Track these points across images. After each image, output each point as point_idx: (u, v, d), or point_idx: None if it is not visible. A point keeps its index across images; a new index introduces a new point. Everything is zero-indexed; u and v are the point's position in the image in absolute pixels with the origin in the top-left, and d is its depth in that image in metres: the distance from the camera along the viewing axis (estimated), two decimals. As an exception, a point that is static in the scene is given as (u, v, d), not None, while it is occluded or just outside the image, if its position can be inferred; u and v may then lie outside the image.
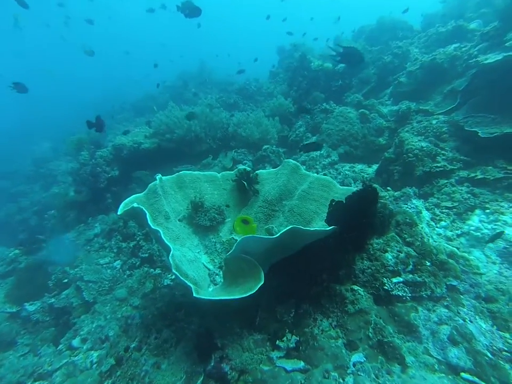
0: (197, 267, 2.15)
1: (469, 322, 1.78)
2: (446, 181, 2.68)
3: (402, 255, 2.02)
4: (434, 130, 3.09)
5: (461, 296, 1.90)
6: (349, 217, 1.85)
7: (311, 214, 2.26)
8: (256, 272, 1.77)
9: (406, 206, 2.47)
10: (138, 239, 4.33)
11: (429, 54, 4.40)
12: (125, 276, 3.66)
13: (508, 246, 2.04)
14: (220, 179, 2.93)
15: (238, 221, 2.36)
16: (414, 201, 2.51)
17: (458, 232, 2.21)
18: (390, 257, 2.00)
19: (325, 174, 3.39)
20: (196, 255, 2.31)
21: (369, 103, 4.09)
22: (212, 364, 1.75)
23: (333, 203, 1.92)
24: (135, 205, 2.01)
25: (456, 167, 2.71)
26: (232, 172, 2.97)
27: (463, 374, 1.60)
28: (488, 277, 1.99)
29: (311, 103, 5.43)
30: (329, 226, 1.87)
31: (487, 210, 2.21)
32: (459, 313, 1.82)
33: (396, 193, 2.57)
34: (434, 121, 3.34)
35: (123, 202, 2.24)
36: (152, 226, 1.83)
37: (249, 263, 1.81)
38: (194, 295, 1.64)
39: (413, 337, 1.74)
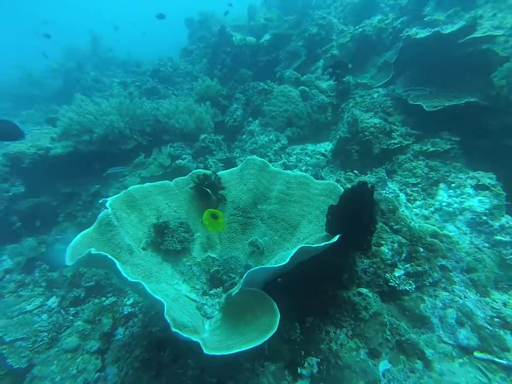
0: (183, 305, 1.81)
1: (464, 298, 1.87)
2: (404, 157, 2.75)
3: (395, 245, 2.00)
4: (382, 105, 3.13)
5: (451, 273, 1.98)
6: (347, 221, 1.71)
7: (296, 217, 2.08)
8: (268, 306, 1.53)
9: (384, 191, 2.47)
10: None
11: (347, 25, 4.43)
12: (70, 317, 3.03)
13: (474, 217, 2.19)
14: (174, 188, 2.51)
15: (206, 215, 2.00)
16: (390, 185, 2.52)
17: (432, 209, 2.30)
18: (386, 250, 1.96)
19: (290, 164, 3.20)
20: (175, 289, 1.95)
21: (307, 79, 3.97)
22: (238, 421, 1.52)
23: (331, 209, 1.75)
24: (93, 251, 1.54)
25: (410, 142, 2.80)
26: (186, 177, 2.57)
27: (476, 354, 1.67)
28: (465, 249, 2.12)
29: (238, 81, 5.10)
30: (332, 234, 1.72)
31: (453, 185, 2.33)
32: (454, 291, 1.90)
33: (372, 179, 2.55)
34: (375, 95, 3.40)
35: (70, 246, 1.73)
36: (130, 279, 1.42)
37: (258, 297, 1.56)
38: (206, 352, 1.34)
39: (426, 329, 1.76)
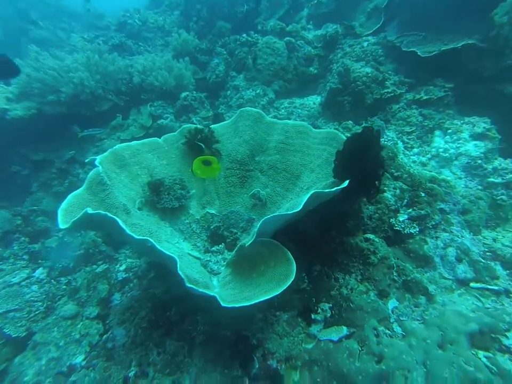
0: (189, 262, 1.75)
1: (462, 238, 1.93)
2: (397, 106, 2.71)
3: (397, 191, 2.00)
4: (373, 54, 3.02)
5: (449, 215, 2.02)
6: (355, 166, 1.67)
7: (298, 167, 2.01)
8: (282, 255, 1.50)
9: (383, 139, 2.44)
10: (57, 234, 3.47)
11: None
12: (63, 286, 2.91)
13: (469, 161, 2.22)
14: (164, 145, 2.37)
15: (197, 163, 1.89)
16: (388, 133, 2.48)
17: (429, 156, 2.31)
18: (389, 196, 1.96)
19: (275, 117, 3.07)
20: (177, 247, 1.87)
21: (292, 29, 3.73)
22: (257, 366, 1.52)
23: (338, 155, 1.69)
24: (90, 210, 1.41)
25: (403, 91, 2.75)
26: (176, 133, 2.42)
27: (471, 284, 1.76)
28: (460, 192, 2.16)
29: (216, 35, 4.75)
30: (340, 179, 1.68)
31: (449, 131, 2.33)
32: (452, 232, 1.95)
33: None
34: (365, 44, 3.27)
35: (61, 209, 1.58)
36: (137, 237, 1.32)
37: (270, 247, 1.52)
38: (224, 305, 1.30)
39: (429, 268, 1.81)
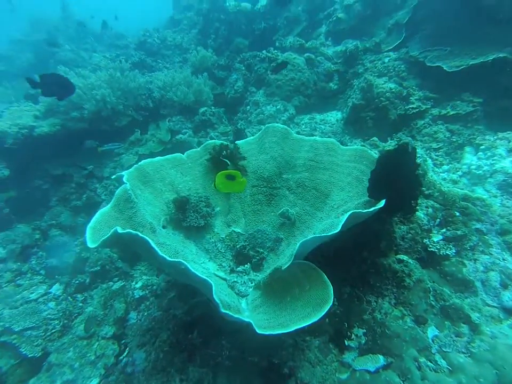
0: (218, 284, 1.68)
1: (504, 261, 1.82)
2: (422, 122, 2.65)
3: (430, 210, 1.92)
4: (395, 69, 2.99)
5: (486, 236, 1.92)
6: (391, 185, 1.60)
7: (327, 185, 1.95)
8: (317, 277, 1.43)
9: None
10: (74, 249, 3.46)
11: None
12: (79, 304, 2.87)
13: (506, 178, 2.13)
14: (187, 161, 2.34)
15: (220, 178, 1.77)
16: (417, 149, 2.42)
17: (460, 173, 2.23)
18: (422, 215, 1.88)
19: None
20: (204, 268, 1.82)
21: (312, 45, 3.75)
22: (291, 399, 1.44)
23: (373, 173, 1.63)
24: (120, 229, 1.37)
25: (429, 106, 2.69)
26: (199, 149, 2.40)
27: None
28: (497, 211, 2.06)
29: (234, 52, 4.81)
30: (375, 199, 1.61)
31: (482, 147, 2.25)
32: (492, 254, 1.85)
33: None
34: (386, 59, 3.25)
35: (89, 227, 1.55)
36: (169, 259, 1.27)
37: (305, 269, 1.45)
38: (259, 332, 1.24)
39: (469, 293, 1.70)
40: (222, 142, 2.28)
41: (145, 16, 9.59)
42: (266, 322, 1.36)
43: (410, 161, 1.56)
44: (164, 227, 1.93)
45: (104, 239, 1.41)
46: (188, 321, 2.03)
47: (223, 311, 1.24)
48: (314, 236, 1.34)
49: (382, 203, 1.50)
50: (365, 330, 1.61)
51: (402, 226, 1.85)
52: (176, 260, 1.26)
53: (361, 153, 1.97)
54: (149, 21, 7.96)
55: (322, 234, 1.35)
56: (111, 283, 3.08)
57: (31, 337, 2.54)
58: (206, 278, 1.23)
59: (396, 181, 1.58)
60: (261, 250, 1.98)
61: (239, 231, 2.07)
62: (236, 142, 2.22)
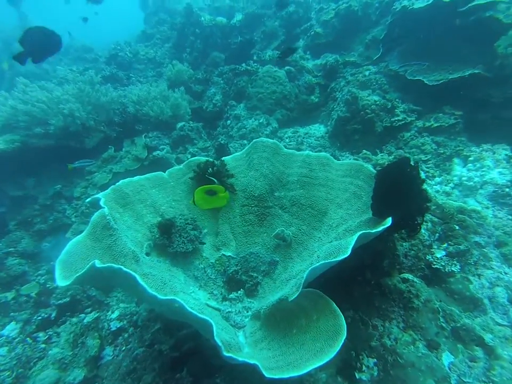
0: (211, 317, 1.49)
1: (505, 274, 1.78)
2: (409, 134, 2.64)
3: (429, 224, 1.86)
4: (378, 82, 3.00)
5: (485, 249, 1.88)
6: (396, 201, 1.52)
7: (324, 202, 1.84)
8: (324, 306, 1.29)
9: None
10: (38, 279, 3.11)
11: (320, 3, 4.26)
12: (41, 345, 2.51)
13: (496, 189, 2.13)
14: (169, 180, 2.16)
15: (199, 193, 1.67)
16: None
17: (452, 185, 2.21)
18: (423, 230, 1.81)
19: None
20: (194, 298, 1.62)
21: (291, 59, 3.73)
22: None
23: (376, 189, 1.54)
24: (98, 263, 1.17)
25: (413, 118, 2.70)
26: (182, 167, 2.23)
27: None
28: (491, 223, 2.04)
29: (210, 65, 4.72)
30: (379, 216, 1.51)
31: (470, 158, 2.25)
32: (493, 268, 1.80)
33: (391, 157, 2.39)
34: (367, 73, 3.26)
35: (59, 260, 1.33)
36: (161, 297, 1.08)
37: (311, 297, 1.31)
38: (268, 376, 1.07)
39: (479, 312, 1.63)
40: (207, 158, 2.12)
41: (113, 31, 9.34)
42: (274, 362, 1.19)
43: (414, 175, 1.48)
44: (147, 254, 1.72)
45: (79, 275, 1.19)
46: (175, 357, 1.81)
47: (226, 354, 1.06)
48: (325, 261, 1.20)
49: (389, 221, 1.40)
50: (375, 360, 1.47)
51: (404, 243, 1.77)
52: (170, 297, 1.07)
53: (357, 168, 1.89)
54: (118, 35, 7.73)
55: (333, 260, 1.22)
56: (82, 315, 2.76)
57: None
58: (206, 317, 1.05)
59: (401, 197, 1.49)
60: (255, 274, 1.81)
61: (230, 254, 1.90)
62: (222, 159, 2.07)
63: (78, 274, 1.19)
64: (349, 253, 1.23)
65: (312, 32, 3.89)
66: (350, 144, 2.84)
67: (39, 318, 2.70)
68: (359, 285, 1.71)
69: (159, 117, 3.62)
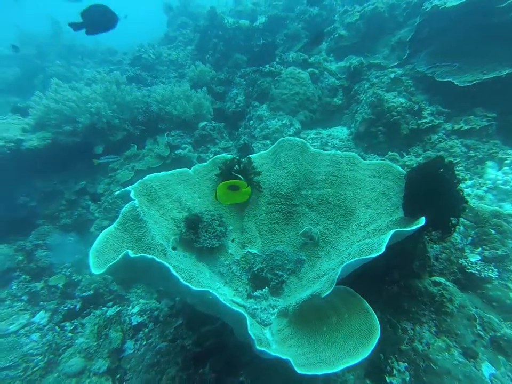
0: (238, 313, 1.49)
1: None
2: (436, 136, 2.58)
3: (461, 227, 1.80)
4: (404, 84, 2.95)
5: (521, 255, 1.80)
6: (428, 201, 1.48)
7: (352, 202, 1.81)
8: (356, 304, 1.26)
9: None
10: (63, 271, 3.18)
11: (352, 4, 4.23)
12: (68, 334, 2.58)
13: (533, 194, 2.04)
14: (195, 176, 2.18)
15: (221, 189, 1.70)
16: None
17: (485, 188, 2.13)
18: (455, 234, 1.75)
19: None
20: (220, 294, 1.62)
21: (315, 61, 3.72)
22: None
23: (408, 189, 1.51)
24: (131, 253, 1.18)
25: (442, 121, 2.63)
26: (207, 164, 2.25)
27: None
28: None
29: (232, 67, 4.76)
30: (411, 216, 1.48)
31: (507, 161, 2.18)
32: (530, 274, 1.72)
33: (419, 159, 2.34)
34: (392, 75, 3.22)
35: (93, 249, 1.35)
36: (195, 288, 1.08)
37: (342, 295, 1.28)
38: (300, 372, 1.05)
39: (519, 320, 1.56)
40: (232, 156, 2.13)
41: (137, 34, 9.56)
42: (304, 359, 1.17)
43: (450, 175, 1.44)
44: (173, 248, 1.73)
45: (112, 264, 1.21)
46: (198, 353, 1.81)
47: (259, 348, 1.05)
48: (359, 258, 1.18)
49: (422, 221, 1.36)
50: (406, 364, 1.43)
51: (434, 246, 1.72)
52: (204, 289, 1.07)
53: (386, 168, 1.85)
54: (141, 38, 7.93)
55: (366, 257, 1.20)
56: (105, 308, 2.82)
57: (7, 379, 2.22)
58: (240, 310, 1.04)
59: (435, 197, 1.45)
60: (280, 272, 1.80)
61: (255, 252, 1.89)
62: (249, 156, 2.08)
63: (111, 264, 1.21)
64: (383, 250, 1.20)
65: (336, 35, 3.87)
66: (376, 146, 2.79)
67: (65, 308, 2.79)
68: (387, 286, 1.67)
69: (181, 116, 3.67)
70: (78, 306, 2.83)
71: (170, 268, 1.12)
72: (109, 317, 2.62)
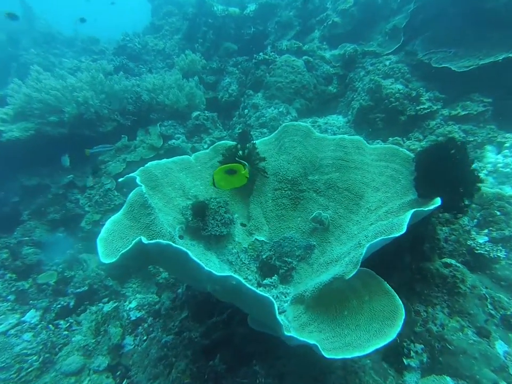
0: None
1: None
2: (434, 122, 2.59)
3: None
4: (401, 70, 2.95)
5: (524, 236, 1.83)
6: (443, 181, 1.47)
7: (360, 185, 1.79)
8: (376, 286, 1.24)
9: None
10: (54, 267, 3.05)
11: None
12: (64, 332, 2.47)
13: (532, 176, 2.08)
14: (196, 164, 2.11)
15: (219, 174, 1.65)
16: None
17: (485, 172, 2.15)
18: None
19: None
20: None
21: (309, 49, 3.67)
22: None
23: (420, 170, 1.49)
24: (145, 240, 1.11)
25: (439, 107, 2.65)
26: (208, 151, 2.19)
27: None
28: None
29: (223, 56, 4.65)
30: (424, 197, 1.47)
31: (506, 144, 2.20)
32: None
33: (422, 143, 2.34)
34: (387, 62, 3.21)
35: (101, 238, 1.27)
36: (218, 274, 1.03)
37: (362, 277, 1.26)
38: (328, 356, 1.02)
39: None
40: (234, 142, 2.07)
41: (119, 25, 9.24)
42: (329, 344, 1.14)
43: (462, 155, 1.43)
44: (180, 237, 1.66)
45: (125, 251, 1.14)
46: (206, 344, 1.76)
47: (287, 334, 1.01)
48: (382, 237, 1.16)
49: (438, 201, 1.35)
50: (423, 346, 1.42)
51: (443, 228, 1.72)
52: (227, 274, 1.02)
53: (393, 151, 1.84)
54: (124, 28, 7.66)
55: (389, 236, 1.17)
56: (101, 304, 2.72)
57: (-1, 382, 2.11)
58: (266, 295, 0.99)
59: (449, 177, 1.44)
60: (289, 259, 1.76)
61: (263, 239, 1.85)
62: (253, 142, 2.02)
63: (123, 251, 1.14)
64: (405, 229, 1.19)
65: (330, 22, 3.82)
66: (374, 133, 2.79)
67: (58, 306, 2.68)
68: (398, 270, 1.66)
69: (174, 105, 3.55)
70: (71, 304, 2.72)
71: (190, 253, 1.06)
72: (106, 313, 2.53)
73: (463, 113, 2.56)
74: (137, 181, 1.49)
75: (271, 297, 1.00)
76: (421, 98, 2.68)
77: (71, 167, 3.63)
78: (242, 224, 1.88)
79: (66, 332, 2.46)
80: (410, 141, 2.41)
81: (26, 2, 7.90)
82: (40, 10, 8.36)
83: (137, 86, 3.78)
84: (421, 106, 2.64)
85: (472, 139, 2.39)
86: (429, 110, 2.61)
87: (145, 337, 2.34)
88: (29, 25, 7.80)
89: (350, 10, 3.69)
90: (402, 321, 1.09)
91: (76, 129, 3.50)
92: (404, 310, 1.13)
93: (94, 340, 2.33)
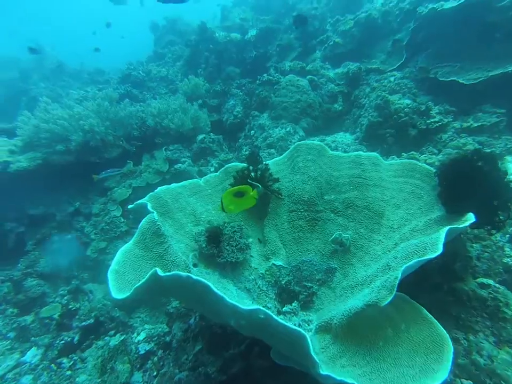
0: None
1: None
2: (446, 135, 2.53)
3: (497, 224, 1.71)
4: (407, 86, 2.93)
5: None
6: (473, 196, 1.38)
7: (380, 203, 1.71)
8: (413, 313, 1.13)
9: None
10: (56, 300, 2.93)
11: (342, 15, 4.28)
12: (67, 372, 2.32)
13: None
14: (206, 187, 2.04)
15: (227, 198, 1.59)
16: None
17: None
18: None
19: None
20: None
21: (312, 68, 3.69)
22: None
23: (448, 186, 1.41)
24: (160, 271, 1.02)
25: (450, 120, 2.60)
26: (218, 174, 2.12)
27: None
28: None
29: (225, 80, 4.71)
30: (454, 212, 1.38)
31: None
32: None
33: (439, 156, 2.28)
34: (392, 78, 3.21)
35: (112, 270, 1.18)
36: (245, 307, 0.93)
37: (397, 302, 1.14)
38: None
39: None
40: (244, 164, 2.01)
41: (123, 55, 9.53)
42: (367, 380, 1.02)
43: (493, 167, 1.35)
44: (194, 265, 1.57)
45: (139, 285, 1.04)
46: (223, 381, 1.62)
47: (324, 373, 0.89)
48: (418, 259, 1.06)
49: (472, 217, 1.26)
50: (471, 382, 1.28)
51: (474, 244, 1.61)
52: (254, 307, 0.92)
53: (411, 167, 1.77)
54: (128, 59, 7.91)
55: (424, 258, 1.08)
56: (107, 338, 2.58)
57: None
58: (299, 329, 0.89)
59: (479, 191, 1.36)
60: (309, 284, 1.65)
61: (280, 263, 1.74)
62: (265, 162, 1.96)
63: (137, 285, 1.05)
64: (441, 249, 1.09)
65: (331, 42, 3.88)
66: (385, 149, 2.73)
67: (62, 342, 2.54)
68: (425, 291, 1.54)
69: (179, 129, 3.54)
70: (76, 338, 2.58)
71: (212, 286, 0.96)
72: (113, 347, 2.39)
73: (475, 124, 2.51)
74: (149, 207, 1.41)
75: (303, 332, 0.89)
76: (431, 112, 2.65)
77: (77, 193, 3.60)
78: (258, 249, 1.78)
79: (69, 372, 2.31)
80: (425, 155, 2.34)
81: (38, 43, 8.23)
82: (49, 45, 8.71)
83: (141, 112, 3.79)
84: (432, 120, 2.60)
85: (490, 151, 2.32)
86: (440, 123, 2.57)
87: (155, 373, 2.20)
88: (39, 62, 8.13)
89: (350, 31, 3.75)
90: (451, 355, 0.97)
91: (82, 156, 3.48)
92: (450, 341, 1.01)
93: (99, 380, 2.18)
